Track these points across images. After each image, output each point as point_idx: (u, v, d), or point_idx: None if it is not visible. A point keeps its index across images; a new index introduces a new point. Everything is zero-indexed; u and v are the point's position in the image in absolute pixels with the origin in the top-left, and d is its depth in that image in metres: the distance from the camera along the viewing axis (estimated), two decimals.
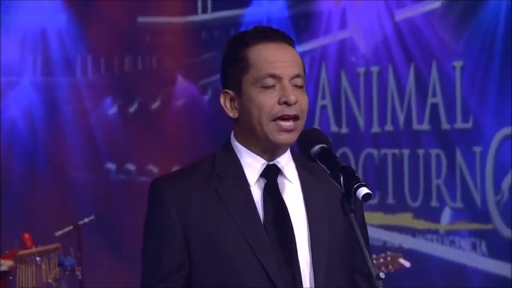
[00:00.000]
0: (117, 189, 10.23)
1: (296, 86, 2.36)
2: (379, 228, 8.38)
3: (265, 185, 2.38)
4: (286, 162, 2.41)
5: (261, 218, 2.34)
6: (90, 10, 10.27)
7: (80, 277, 7.19)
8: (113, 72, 10.79)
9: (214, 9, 10.91)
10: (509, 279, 7.52)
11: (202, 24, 11.02)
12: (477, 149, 8.08)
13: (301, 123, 2.35)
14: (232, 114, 2.41)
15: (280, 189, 2.38)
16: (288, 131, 2.33)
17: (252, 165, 2.39)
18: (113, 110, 10.61)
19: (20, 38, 10.32)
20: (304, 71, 2.43)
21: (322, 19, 9.93)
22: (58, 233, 7.36)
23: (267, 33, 2.42)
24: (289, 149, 2.41)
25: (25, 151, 9.90)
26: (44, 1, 10.28)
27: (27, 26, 10.37)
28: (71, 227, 7.51)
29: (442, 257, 8.26)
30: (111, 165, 10.50)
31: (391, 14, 9.25)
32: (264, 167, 2.38)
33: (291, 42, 2.45)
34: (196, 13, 10.97)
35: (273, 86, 2.33)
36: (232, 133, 2.47)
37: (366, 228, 2.55)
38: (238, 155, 2.42)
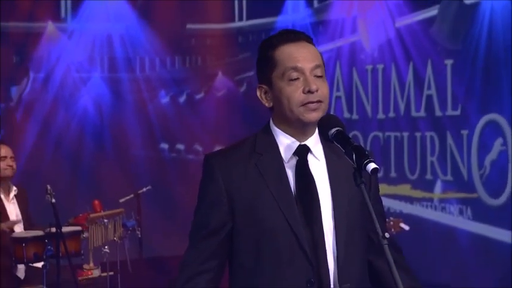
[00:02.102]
0: (169, 165, 10.27)
1: (316, 76, 2.31)
2: (383, 196, 8.30)
3: (297, 162, 2.34)
4: (315, 143, 2.37)
5: (292, 190, 2.31)
6: (148, 19, 10.28)
7: (139, 236, 7.22)
8: (166, 69, 10.79)
9: (248, 18, 10.87)
10: (489, 238, 7.50)
11: (238, 30, 10.97)
12: (464, 132, 8.02)
13: (324, 105, 2.31)
14: (267, 104, 2.38)
15: (309, 165, 2.35)
16: (314, 109, 2.28)
17: (287, 145, 2.35)
18: (165, 100, 10.64)
19: (90, 42, 10.37)
20: (324, 64, 2.38)
21: (337, 26, 9.90)
22: (122, 200, 7.40)
23: (288, 36, 2.36)
24: (317, 132, 2.36)
25: (95, 133, 9.95)
26: (110, 11, 10.32)
27: (96, 32, 10.41)
28: (132, 195, 7.55)
29: (435, 220, 8.22)
30: (164, 145, 10.53)
31: (393, 21, 9.19)
32: (296, 146, 2.34)
33: (310, 40, 2.39)
34: (233, 21, 10.93)
35: (297, 78, 2.29)
36: (270, 118, 2.43)
37: (379, 197, 2.53)
38: (275, 137, 2.38)
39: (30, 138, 9.31)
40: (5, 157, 5.50)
